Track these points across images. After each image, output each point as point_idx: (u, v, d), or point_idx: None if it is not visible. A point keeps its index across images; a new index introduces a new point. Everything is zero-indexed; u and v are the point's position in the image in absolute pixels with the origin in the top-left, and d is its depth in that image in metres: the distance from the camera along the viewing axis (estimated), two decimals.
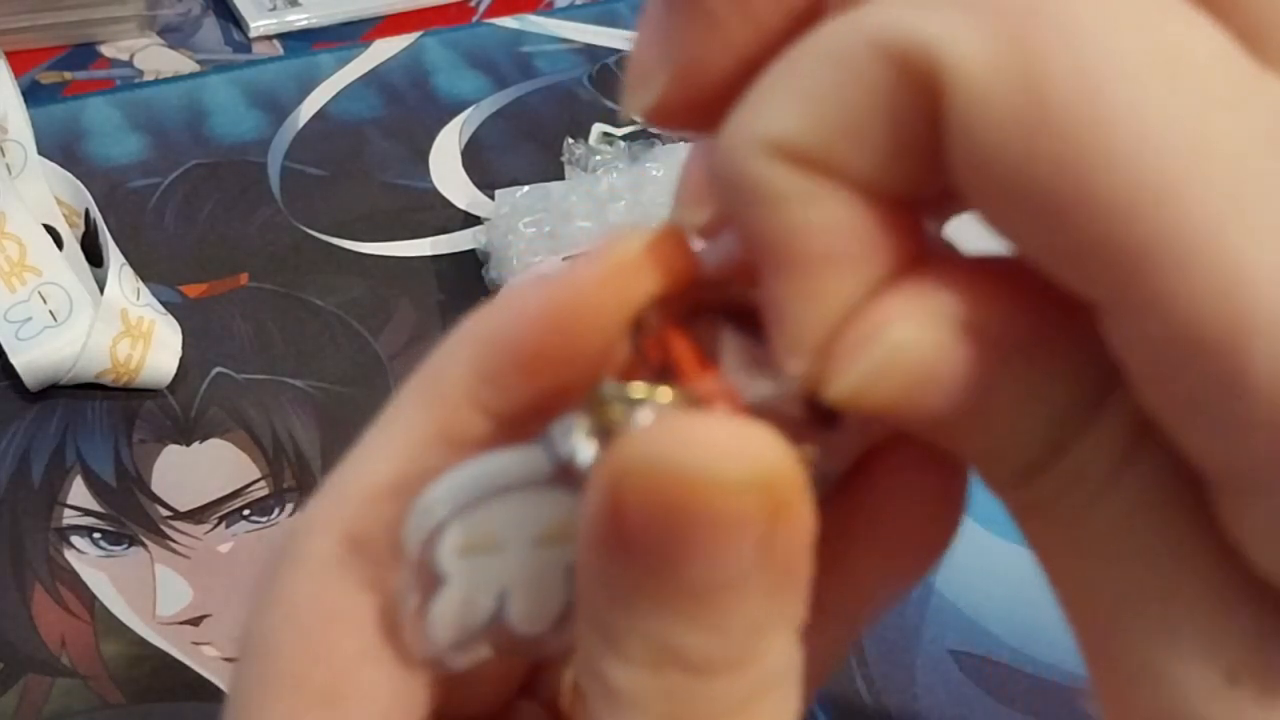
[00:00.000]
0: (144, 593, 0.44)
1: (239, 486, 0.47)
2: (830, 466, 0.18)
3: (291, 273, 0.55)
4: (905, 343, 0.15)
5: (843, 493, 0.19)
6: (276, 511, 0.46)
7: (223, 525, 0.46)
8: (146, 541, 0.45)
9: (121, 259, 0.51)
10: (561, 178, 0.58)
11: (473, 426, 0.18)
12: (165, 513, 0.46)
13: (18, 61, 0.63)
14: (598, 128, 0.63)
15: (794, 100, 0.15)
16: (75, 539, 0.45)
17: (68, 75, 0.66)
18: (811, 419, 0.17)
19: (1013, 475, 0.16)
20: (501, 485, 0.17)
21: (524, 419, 0.18)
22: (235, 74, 0.66)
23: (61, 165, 0.55)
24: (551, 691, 0.22)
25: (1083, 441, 0.16)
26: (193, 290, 0.54)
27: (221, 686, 0.42)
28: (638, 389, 0.16)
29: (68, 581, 0.44)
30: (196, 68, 0.67)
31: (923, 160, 0.15)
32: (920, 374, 0.15)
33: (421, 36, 0.69)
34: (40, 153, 0.54)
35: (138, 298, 0.50)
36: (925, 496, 0.19)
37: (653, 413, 0.16)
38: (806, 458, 0.16)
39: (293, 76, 0.66)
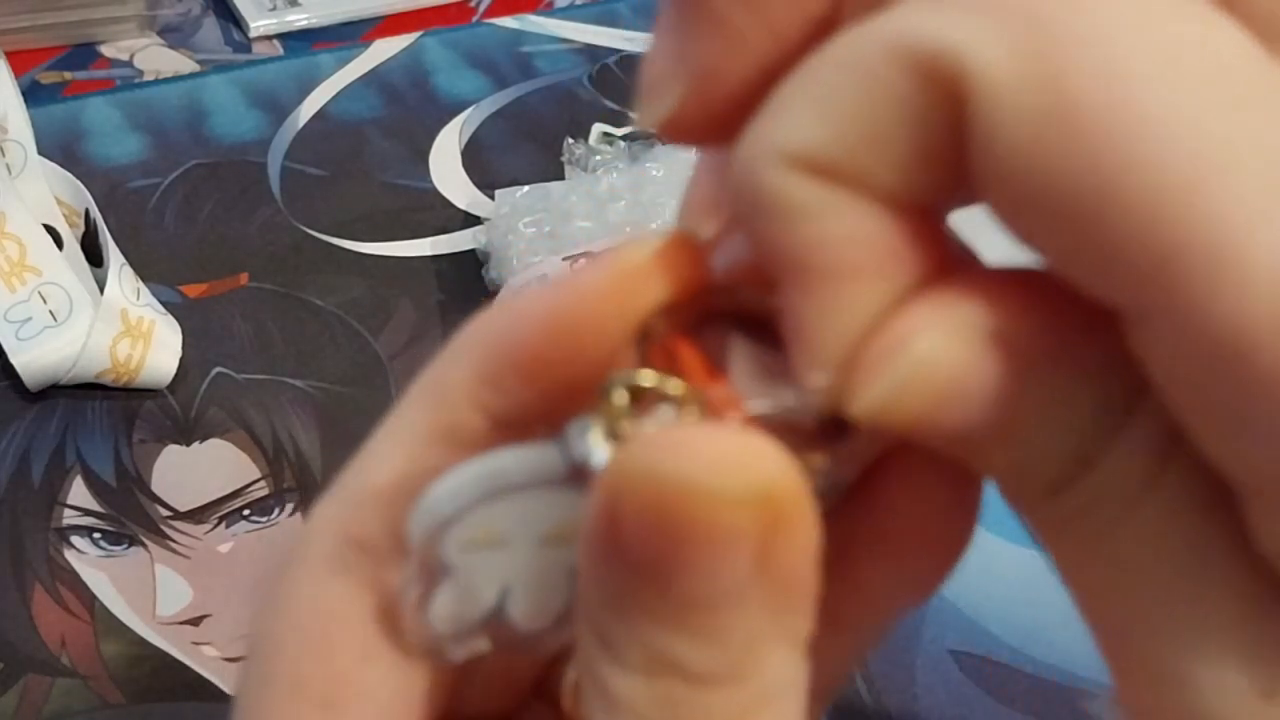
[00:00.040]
0: (144, 593, 0.44)
1: (239, 486, 0.47)
2: (840, 475, 0.18)
3: (291, 273, 0.55)
4: (932, 355, 0.15)
5: (852, 502, 0.18)
6: (276, 511, 0.46)
7: (223, 525, 0.46)
8: (146, 541, 0.45)
9: (121, 259, 0.51)
10: (561, 178, 0.58)
11: (475, 428, 0.18)
12: (165, 513, 0.46)
13: (18, 61, 0.63)
14: (598, 128, 0.63)
15: (814, 110, 0.15)
16: (75, 539, 0.45)
17: (68, 75, 0.66)
18: (821, 427, 0.16)
19: (1038, 491, 0.16)
20: (512, 483, 0.17)
21: (527, 422, 0.18)
22: (235, 74, 0.66)
23: (61, 165, 0.55)
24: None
25: (1111, 454, 0.15)
26: (193, 290, 0.54)
27: (222, 686, 0.42)
28: (648, 379, 0.16)
29: (68, 581, 0.44)
30: (196, 68, 0.67)
31: (945, 168, 0.14)
32: (948, 387, 0.15)
33: (421, 36, 0.69)
34: (40, 153, 0.54)
35: (138, 298, 0.50)
36: (938, 505, 0.18)
37: (659, 420, 0.16)
38: (815, 467, 0.15)
39: (293, 76, 0.66)
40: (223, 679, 0.42)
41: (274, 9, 0.70)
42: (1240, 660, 0.14)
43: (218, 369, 0.51)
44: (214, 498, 0.46)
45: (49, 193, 0.53)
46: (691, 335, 0.17)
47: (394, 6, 0.71)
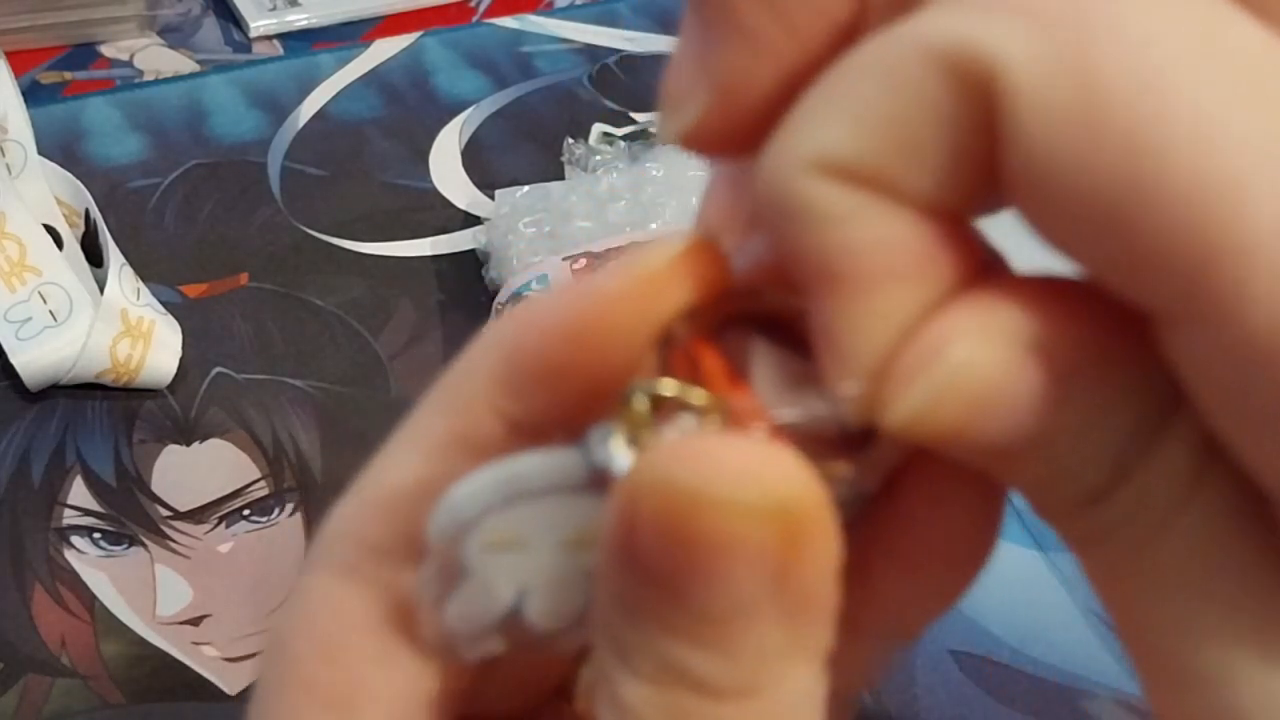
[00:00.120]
0: (144, 593, 0.44)
1: (239, 486, 0.47)
2: (863, 484, 0.17)
3: (291, 273, 0.55)
4: (968, 363, 0.14)
5: (875, 510, 0.18)
6: (276, 511, 0.46)
7: (223, 525, 0.46)
8: (146, 541, 0.45)
9: (121, 259, 0.51)
10: (561, 178, 0.58)
11: (492, 434, 0.18)
12: (165, 513, 0.46)
13: (18, 61, 0.63)
14: (598, 128, 0.63)
15: (844, 115, 0.14)
16: (75, 539, 0.45)
17: (68, 75, 0.66)
18: (845, 435, 0.16)
19: (1073, 503, 0.15)
20: (534, 487, 0.17)
21: (545, 427, 0.17)
22: (235, 74, 0.66)
23: (61, 165, 0.55)
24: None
25: (1148, 466, 0.15)
26: (193, 290, 0.54)
27: (222, 686, 0.42)
28: (670, 388, 0.16)
29: (68, 581, 0.44)
30: (196, 68, 0.67)
31: (977, 172, 0.14)
32: (985, 396, 0.15)
33: (421, 36, 0.69)
34: (40, 153, 0.54)
35: (138, 298, 0.50)
36: (961, 516, 0.18)
37: (680, 428, 0.16)
38: (838, 476, 0.15)
39: (293, 76, 0.66)
40: (223, 679, 0.42)
41: (274, 9, 0.70)
42: None
43: (218, 369, 0.51)
44: (214, 498, 0.46)
45: (49, 193, 0.53)
46: (713, 339, 0.17)
47: (394, 6, 0.71)
